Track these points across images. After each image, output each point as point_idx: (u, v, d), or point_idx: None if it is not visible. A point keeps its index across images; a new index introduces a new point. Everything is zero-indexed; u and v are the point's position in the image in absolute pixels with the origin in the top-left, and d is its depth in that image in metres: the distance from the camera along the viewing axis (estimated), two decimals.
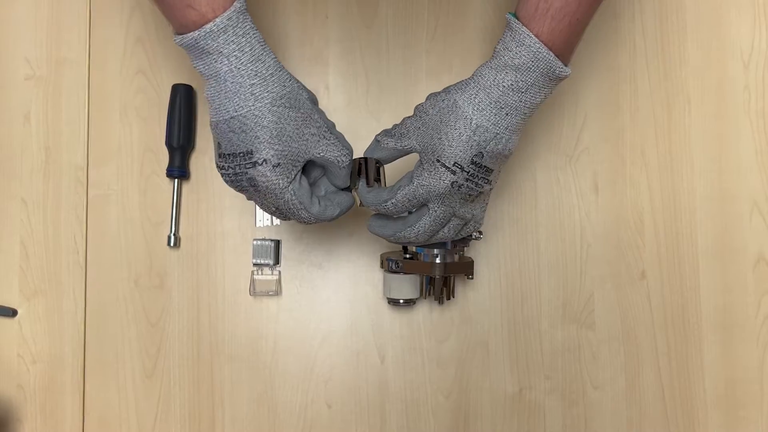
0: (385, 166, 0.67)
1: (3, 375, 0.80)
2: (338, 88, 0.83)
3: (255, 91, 0.56)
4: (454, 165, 0.59)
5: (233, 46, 0.55)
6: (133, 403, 0.80)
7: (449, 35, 0.83)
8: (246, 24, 0.56)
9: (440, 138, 0.60)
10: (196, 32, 0.55)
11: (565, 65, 0.59)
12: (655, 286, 0.82)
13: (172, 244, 0.81)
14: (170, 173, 0.80)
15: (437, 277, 0.73)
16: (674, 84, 0.83)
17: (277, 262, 0.81)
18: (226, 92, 0.56)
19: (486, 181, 0.61)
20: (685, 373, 0.81)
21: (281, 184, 0.58)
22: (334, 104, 0.83)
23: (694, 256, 0.82)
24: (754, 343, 0.81)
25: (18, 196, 0.82)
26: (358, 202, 0.67)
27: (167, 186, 0.81)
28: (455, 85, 0.61)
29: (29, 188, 0.82)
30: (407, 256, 0.74)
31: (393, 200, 0.63)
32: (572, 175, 0.83)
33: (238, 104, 0.56)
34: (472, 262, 0.75)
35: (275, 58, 0.58)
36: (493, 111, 0.59)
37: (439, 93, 0.62)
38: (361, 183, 0.66)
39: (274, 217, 0.81)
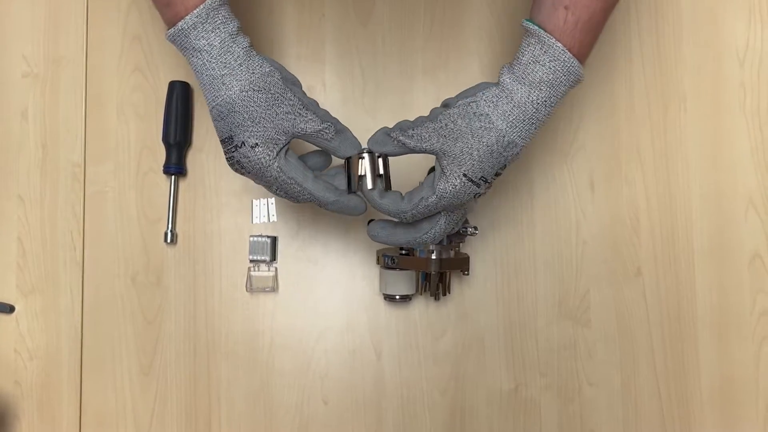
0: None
1: (0, 371, 0.80)
2: (335, 86, 0.83)
3: (225, 81, 0.59)
4: (480, 179, 0.60)
5: (203, 42, 0.58)
6: (130, 400, 0.80)
7: (445, 33, 0.84)
8: (216, 19, 0.58)
9: (471, 153, 0.59)
10: (172, 29, 0.59)
11: None
12: (651, 284, 0.82)
13: (168, 241, 0.81)
14: (167, 170, 0.81)
15: (433, 273, 0.73)
16: (670, 82, 0.83)
17: (273, 258, 0.81)
18: (204, 84, 0.60)
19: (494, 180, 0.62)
20: (681, 371, 0.81)
21: (264, 162, 0.60)
22: (331, 102, 0.83)
23: (690, 253, 0.82)
24: (749, 340, 0.81)
25: (15, 194, 0.82)
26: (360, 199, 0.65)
27: (164, 183, 0.82)
28: (484, 95, 0.59)
29: (26, 185, 0.82)
30: (403, 252, 0.74)
31: (413, 211, 0.62)
32: (568, 173, 0.83)
33: (214, 95, 0.60)
34: (468, 258, 0.75)
35: (246, 47, 0.60)
36: (525, 127, 0.59)
37: (468, 103, 0.60)
38: (372, 181, 0.63)
39: (270, 214, 0.82)
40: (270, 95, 0.60)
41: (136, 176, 0.82)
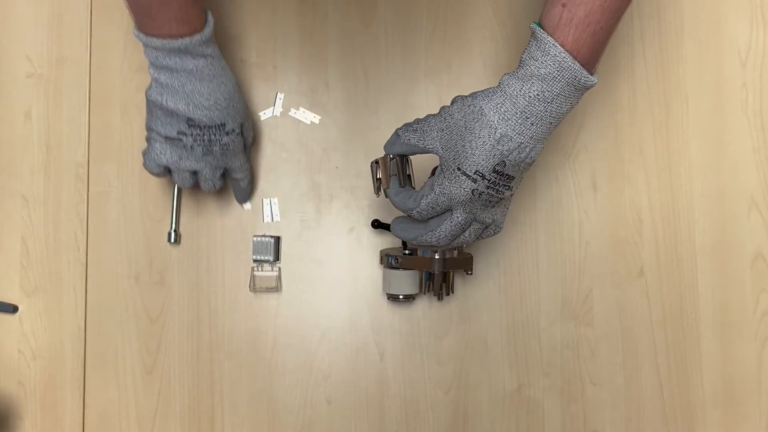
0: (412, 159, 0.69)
1: (4, 371, 0.81)
2: (337, 86, 0.83)
3: (224, 80, 0.70)
4: (475, 173, 0.60)
5: (210, 50, 0.69)
6: (133, 400, 0.80)
7: (448, 35, 0.84)
8: (213, 37, 0.69)
9: (464, 145, 0.60)
10: (189, 39, 0.66)
11: (591, 74, 0.59)
12: (654, 284, 0.82)
13: (172, 241, 0.81)
14: None
15: (436, 272, 0.73)
16: (672, 82, 0.84)
17: (277, 258, 0.81)
18: (202, 79, 0.68)
19: (507, 187, 0.62)
20: (684, 370, 0.81)
21: (241, 146, 0.75)
22: (334, 102, 0.83)
23: (692, 253, 0.82)
24: (752, 340, 0.81)
25: (19, 194, 0.82)
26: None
27: (167, 183, 0.82)
28: (482, 92, 0.61)
29: (30, 185, 0.82)
30: (406, 252, 0.74)
31: (417, 209, 0.63)
32: (571, 173, 0.83)
33: (212, 89, 0.69)
34: (471, 257, 0.76)
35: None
36: (519, 120, 0.59)
37: (466, 98, 0.62)
38: (392, 182, 0.67)
39: (274, 214, 0.82)
40: (241, 93, 0.74)
41: (140, 176, 0.82)
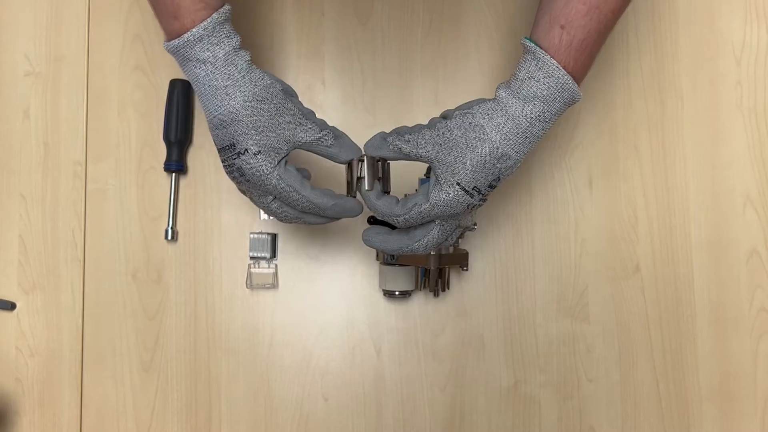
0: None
1: (1, 368, 0.81)
2: (334, 83, 0.84)
3: (229, 92, 0.60)
4: (473, 189, 0.61)
5: (208, 54, 0.60)
6: (131, 396, 0.81)
7: (444, 32, 0.84)
8: (221, 33, 0.61)
9: (464, 162, 0.60)
10: (177, 41, 0.60)
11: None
12: (649, 280, 0.82)
13: (169, 238, 0.81)
14: (168, 167, 0.81)
15: (432, 268, 0.73)
16: (667, 79, 0.84)
17: (273, 255, 0.82)
18: (205, 94, 0.61)
19: (490, 193, 0.63)
20: (679, 366, 0.81)
21: (265, 169, 0.61)
22: (330, 100, 0.84)
23: (688, 250, 0.83)
24: (747, 335, 0.82)
25: (17, 192, 0.82)
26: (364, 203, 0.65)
27: (165, 180, 0.82)
28: (480, 107, 0.61)
29: (28, 183, 0.82)
30: None
31: (406, 216, 0.62)
32: (566, 170, 0.84)
33: (216, 105, 0.61)
34: (467, 254, 0.76)
35: (248, 60, 0.62)
36: (519, 140, 0.60)
37: (464, 114, 0.61)
38: (376, 185, 0.64)
39: None
40: (272, 105, 0.61)
41: (137, 174, 0.82)
